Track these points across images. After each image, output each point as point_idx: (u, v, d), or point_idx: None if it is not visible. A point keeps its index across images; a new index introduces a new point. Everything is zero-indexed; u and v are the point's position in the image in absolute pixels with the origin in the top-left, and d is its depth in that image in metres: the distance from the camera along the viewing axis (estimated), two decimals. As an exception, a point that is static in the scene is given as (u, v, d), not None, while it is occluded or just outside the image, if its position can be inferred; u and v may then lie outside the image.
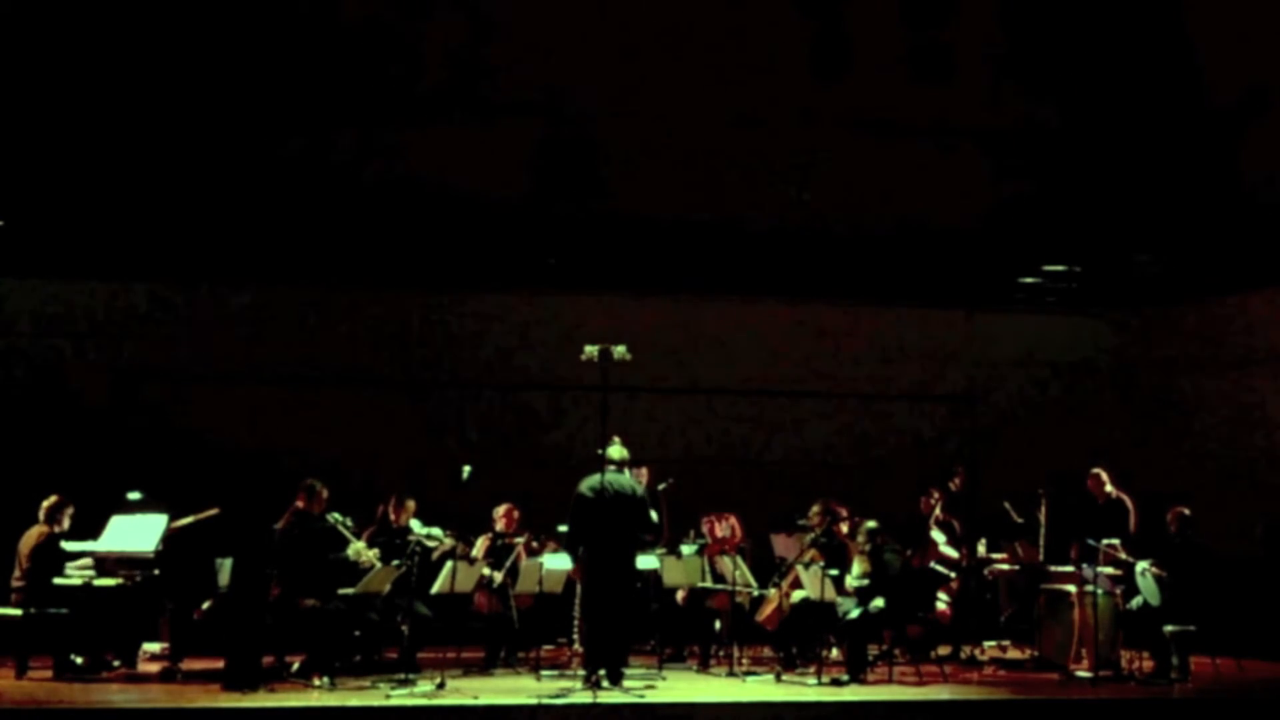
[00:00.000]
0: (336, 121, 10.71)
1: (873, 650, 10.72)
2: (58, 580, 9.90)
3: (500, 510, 11.26)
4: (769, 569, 11.15)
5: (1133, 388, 14.74)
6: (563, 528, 10.20)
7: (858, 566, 10.55)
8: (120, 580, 10.03)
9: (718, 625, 11.23)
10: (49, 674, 9.78)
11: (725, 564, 10.87)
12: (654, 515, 10.14)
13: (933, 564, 11.60)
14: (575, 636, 11.14)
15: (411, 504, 10.80)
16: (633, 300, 13.73)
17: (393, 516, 10.85)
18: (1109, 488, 11.64)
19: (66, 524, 10.09)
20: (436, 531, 10.55)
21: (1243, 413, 13.79)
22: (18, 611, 9.83)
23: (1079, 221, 12.02)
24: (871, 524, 10.55)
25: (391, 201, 11.53)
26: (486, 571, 10.81)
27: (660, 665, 10.61)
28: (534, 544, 11.23)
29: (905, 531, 11.57)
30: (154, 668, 10.32)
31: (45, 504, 10.05)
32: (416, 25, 10.44)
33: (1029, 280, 13.84)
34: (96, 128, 10.47)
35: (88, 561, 10.11)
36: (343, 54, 10.30)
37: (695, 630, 11.29)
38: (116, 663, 10.18)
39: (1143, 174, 11.40)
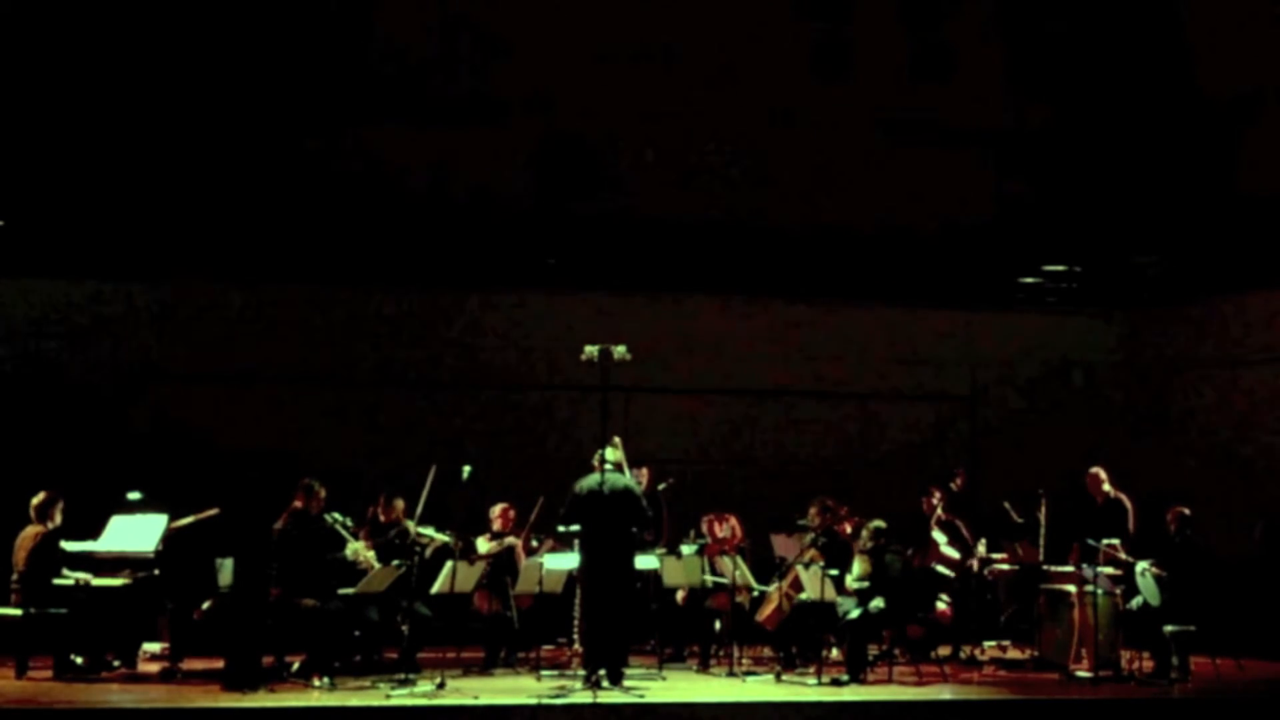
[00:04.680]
0: (336, 121, 10.72)
1: (873, 650, 10.72)
2: (57, 581, 9.89)
3: (497, 510, 11.26)
4: (769, 569, 11.14)
5: (1133, 388, 14.74)
6: (562, 528, 10.19)
7: (858, 567, 10.55)
8: (121, 580, 10.03)
9: (718, 625, 11.23)
10: (49, 674, 9.77)
11: (725, 564, 10.87)
12: (648, 512, 10.11)
13: (935, 565, 11.59)
14: (575, 636, 11.14)
15: (400, 503, 10.81)
16: (633, 300, 13.73)
17: (382, 516, 10.88)
18: (1107, 487, 11.64)
19: (59, 518, 10.07)
20: (430, 529, 10.56)
21: (1242, 413, 13.79)
22: (17, 611, 9.82)
23: (1079, 221, 12.04)
24: (878, 523, 10.55)
25: (392, 201, 11.54)
26: (508, 541, 10.93)
27: (660, 665, 10.61)
28: (533, 544, 11.23)
29: (906, 532, 11.57)
30: (154, 668, 10.31)
31: (34, 501, 10.03)
32: (417, 26, 10.45)
33: (1029, 280, 13.85)
34: (96, 128, 10.48)
35: (87, 576, 10.07)
36: (343, 55, 10.31)
37: (695, 630, 11.28)
38: (116, 663, 10.18)
39: (1142, 174, 11.42)
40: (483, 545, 11.05)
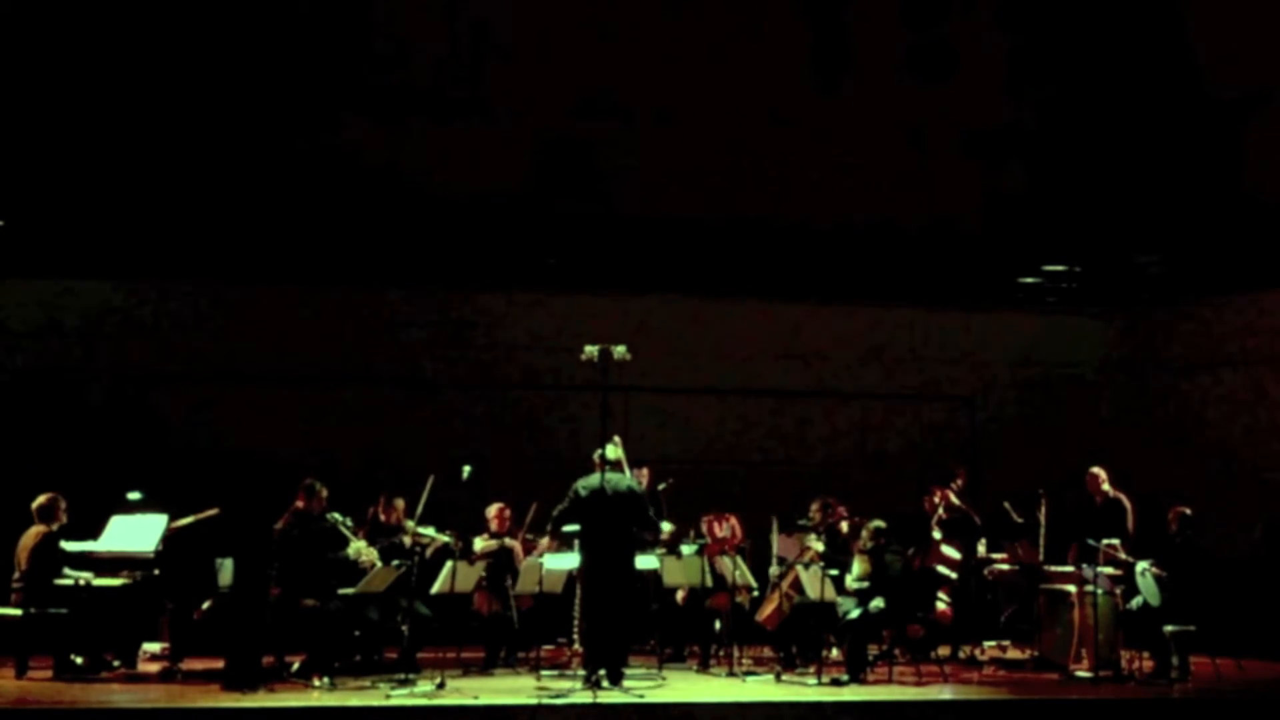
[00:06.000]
0: (337, 120, 10.72)
1: (873, 650, 10.72)
2: (58, 581, 9.89)
3: (493, 510, 11.26)
4: (769, 569, 11.14)
5: (1133, 388, 14.74)
6: (563, 527, 10.18)
7: (858, 567, 10.55)
8: (121, 580, 10.03)
9: (718, 625, 11.23)
10: (49, 674, 9.77)
11: (725, 564, 10.87)
12: (653, 514, 10.12)
13: (935, 565, 11.59)
14: (575, 636, 11.14)
15: (400, 503, 10.83)
16: (633, 300, 13.73)
17: (383, 517, 10.90)
18: (1106, 487, 11.65)
19: (64, 519, 10.08)
20: (430, 529, 10.56)
21: (1243, 413, 13.79)
22: (18, 611, 9.83)
23: (1079, 221, 12.03)
24: (878, 523, 10.54)
25: (392, 200, 11.55)
26: (506, 543, 10.98)
27: (660, 665, 10.61)
28: (535, 545, 11.22)
29: (907, 532, 11.57)
30: (154, 668, 10.31)
31: (36, 504, 10.03)
32: (417, 24, 10.45)
33: (1029, 280, 13.84)
34: (96, 128, 10.48)
35: (88, 575, 10.06)
36: (343, 53, 10.31)
37: (695, 630, 11.28)
38: (116, 663, 10.17)
39: (1144, 174, 11.40)
40: (479, 544, 11.06)
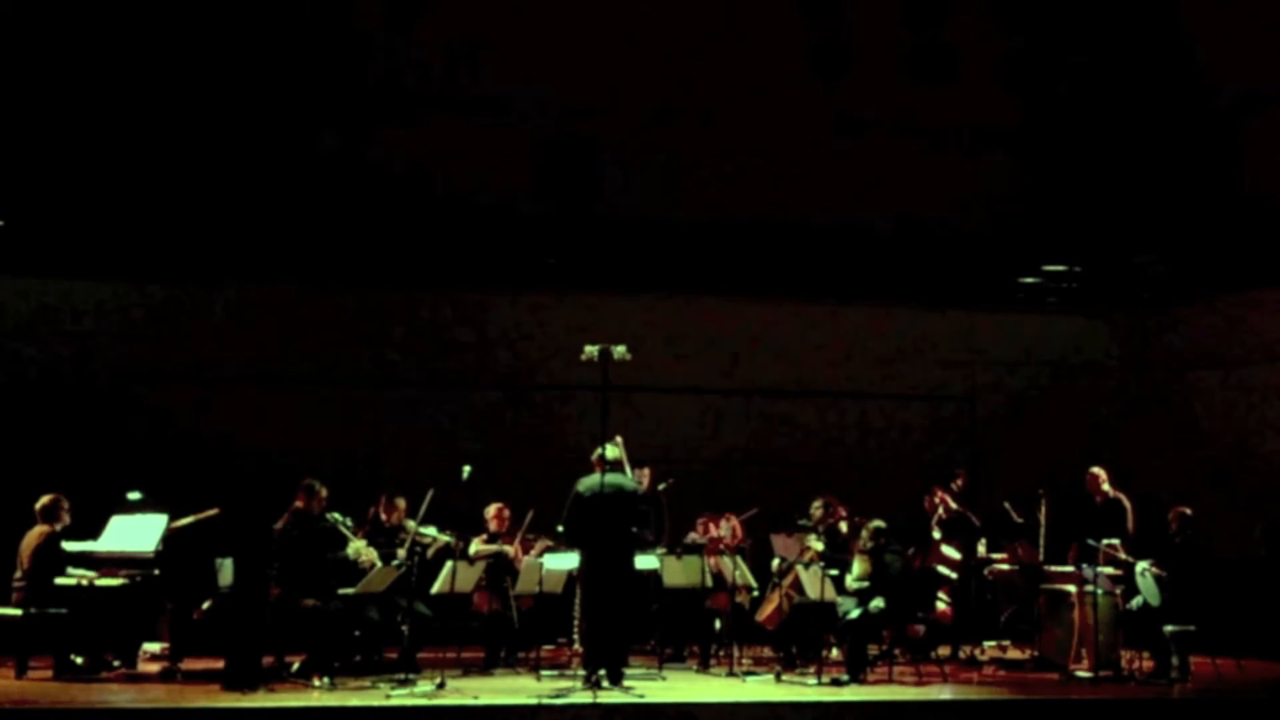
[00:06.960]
0: (335, 120, 10.71)
1: (873, 650, 10.72)
2: (58, 580, 9.89)
3: (491, 510, 11.25)
4: (769, 569, 11.13)
5: (1133, 388, 14.74)
6: (560, 528, 10.20)
7: (858, 567, 10.55)
8: (121, 580, 10.03)
9: (718, 625, 11.24)
10: (49, 674, 9.78)
11: (725, 564, 10.87)
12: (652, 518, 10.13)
13: (935, 565, 11.60)
14: (575, 636, 11.14)
15: (402, 503, 10.84)
16: (633, 300, 13.73)
17: (384, 517, 10.90)
18: (1106, 487, 11.65)
19: (67, 519, 10.09)
20: (431, 529, 10.56)
21: (1243, 413, 13.79)
22: (18, 611, 9.83)
23: (1080, 221, 12.03)
24: (878, 523, 10.54)
25: (391, 201, 11.54)
26: (509, 549, 10.95)
27: (660, 665, 10.61)
28: (534, 544, 11.22)
29: (907, 532, 11.57)
30: (154, 668, 10.32)
31: (39, 504, 10.04)
32: (417, 23, 10.45)
33: (1029, 280, 13.85)
34: (96, 128, 10.47)
35: (91, 574, 10.06)
36: (342, 53, 10.31)
37: (695, 630, 11.29)
38: (116, 663, 10.18)
39: (1144, 173, 11.40)
40: (475, 546, 11.05)
